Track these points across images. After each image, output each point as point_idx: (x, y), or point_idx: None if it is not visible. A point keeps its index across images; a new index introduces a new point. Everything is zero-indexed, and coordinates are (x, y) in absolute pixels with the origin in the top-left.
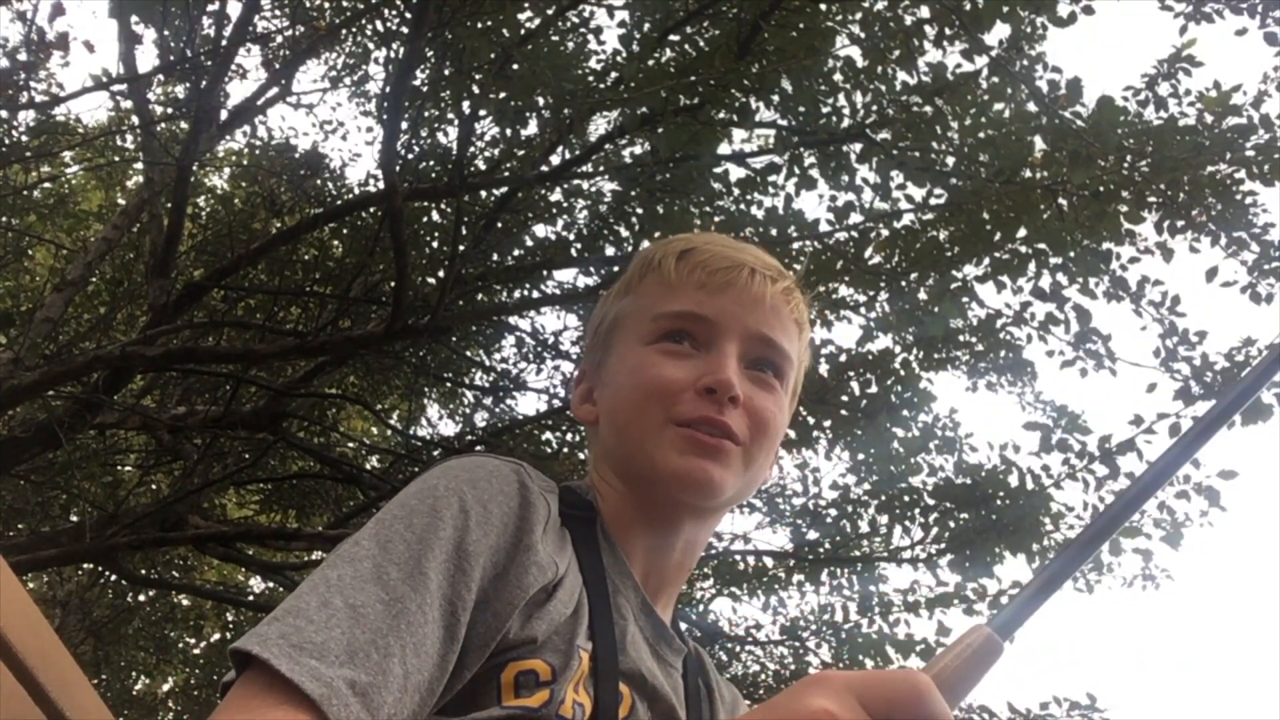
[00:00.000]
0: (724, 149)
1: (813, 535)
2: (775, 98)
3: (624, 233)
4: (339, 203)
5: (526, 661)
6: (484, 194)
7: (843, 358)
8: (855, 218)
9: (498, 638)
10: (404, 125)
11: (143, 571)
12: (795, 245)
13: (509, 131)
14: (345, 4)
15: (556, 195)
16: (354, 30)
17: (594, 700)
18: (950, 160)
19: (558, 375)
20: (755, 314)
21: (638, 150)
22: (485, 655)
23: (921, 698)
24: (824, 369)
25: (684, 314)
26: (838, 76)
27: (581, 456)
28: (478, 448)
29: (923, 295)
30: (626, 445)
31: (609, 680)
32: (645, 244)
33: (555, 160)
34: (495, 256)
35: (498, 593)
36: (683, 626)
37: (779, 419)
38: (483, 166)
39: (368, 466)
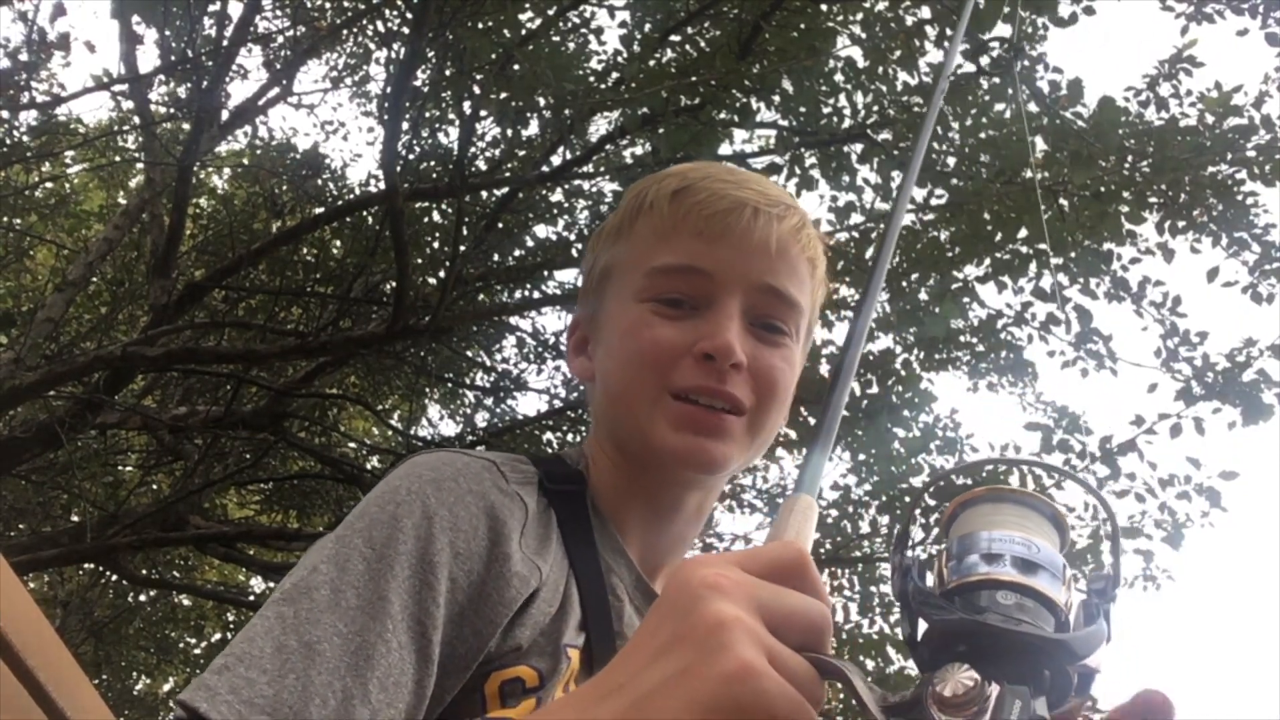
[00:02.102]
0: (725, 149)
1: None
2: (776, 98)
3: None
4: (340, 203)
5: (511, 669)
6: (485, 194)
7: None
8: (856, 218)
9: (479, 658)
10: (405, 125)
11: (144, 572)
12: None
13: (510, 132)
14: (346, 4)
15: (557, 195)
16: (355, 30)
17: None
18: (951, 160)
19: (558, 375)
20: (760, 262)
21: (639, 151)
22: (466, 676)
23: (806, 562)
24: (824, 369)
25: (680, 268)
26: (839, 77)
27: None
28: (479, 448)
29: (924, 295)
30: (620, 415)
31: None
32: None
33: (556, 160)
34: (496, 257)
35: (477, 609)
36: None
37: (788, 376)
38: (483, 167)
39: (368, 467)
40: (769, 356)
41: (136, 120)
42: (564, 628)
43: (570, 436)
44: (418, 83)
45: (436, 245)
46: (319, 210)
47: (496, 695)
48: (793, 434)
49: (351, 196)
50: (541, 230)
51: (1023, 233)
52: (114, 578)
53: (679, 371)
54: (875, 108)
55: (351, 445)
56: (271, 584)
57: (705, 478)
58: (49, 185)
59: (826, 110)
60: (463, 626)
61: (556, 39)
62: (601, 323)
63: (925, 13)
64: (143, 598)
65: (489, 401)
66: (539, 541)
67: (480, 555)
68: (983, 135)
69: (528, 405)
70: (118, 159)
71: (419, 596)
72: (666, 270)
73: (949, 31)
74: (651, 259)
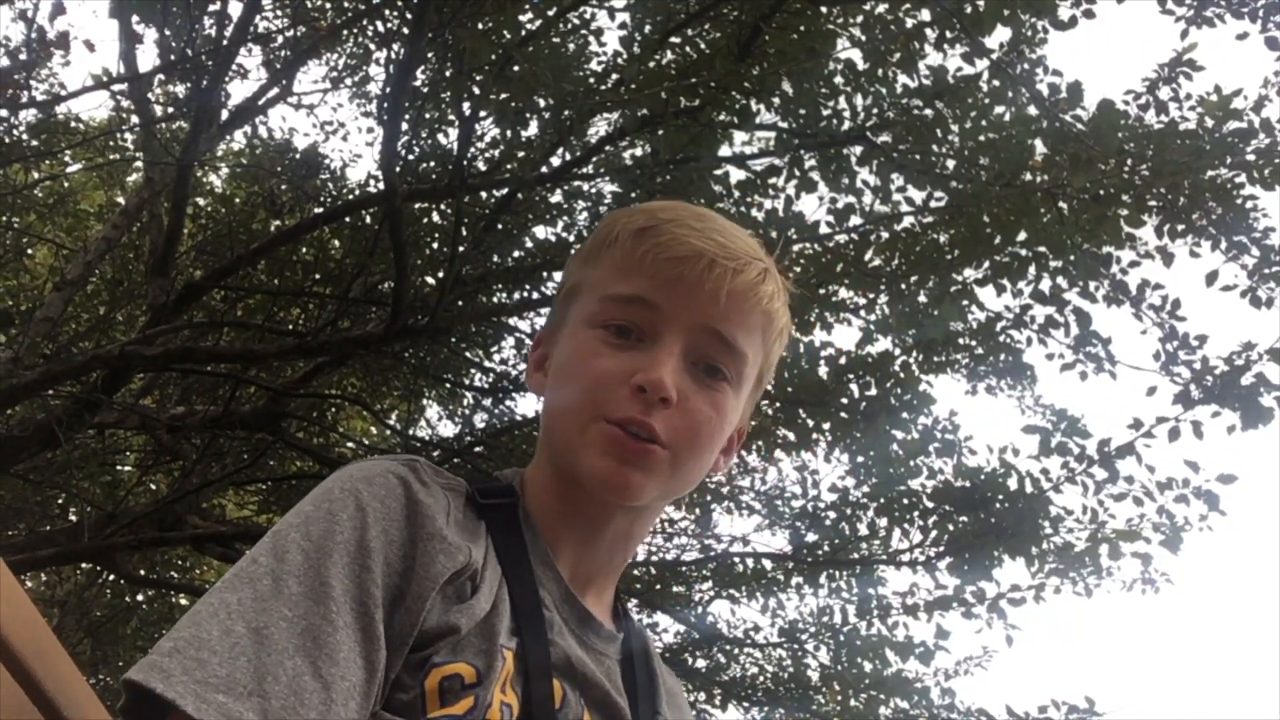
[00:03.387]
0: (724, 151)
1: (812, 538)
2: (776, 100)
3: None
4: (339, 203)
5: (450, 666)
6: (484, 195)
7: (842, 360)
8: (855, 220)
9: (413, 634)
10: (404, 126)
11: (141, 571)
12: (796, 247)
13: (509, 133)
14: (346, 4)
15: (557, 197)
16: (355, 31)
17: (522, 698)
18: (950, 163)
19: None
20: (708, 308)
21: (638, 152)
22: (404, 654)
23: None
24: (823, 371)
25: (631, 298)
26: (838, 79)
27: None
28: (477, 449)
29: (923, 298)
30: (556, 435)
31: (540, 676)
32: None
33: (555, 162)
34: (495, 257)
35: (408, 587)
36: (677, 626)
37: (715, 423)
38: (483, 167)
39: None
40: (700, 400)
41: (135, 119)
42: (499, 626)
43: None
44: (417, 83)
45: (435, 246)
46: (318, 210)
47: (436, 691)
48: (790, 435)
49: (351, 197)
50: (541, 231)
51: (1022, 235)
52: (111, 577)
53: (613, 401)
54: (875, 110)
55: (350, 445)
56: None
57: (620, 505)
58: (48, 184)
59: (826, 112)
60: (397, 607)
61: (556, 40)
62: (558, 341)
63: (925, 15)
64: (140, 597)
65: (487, 402)
66: (464, 535)
67: (408, 540)
68: (982, 138)
69: (526, 406)
70: (117, 158)
71: (359, 580)
72: (618, 299)
73: (948, 34)
74: (607, 287)
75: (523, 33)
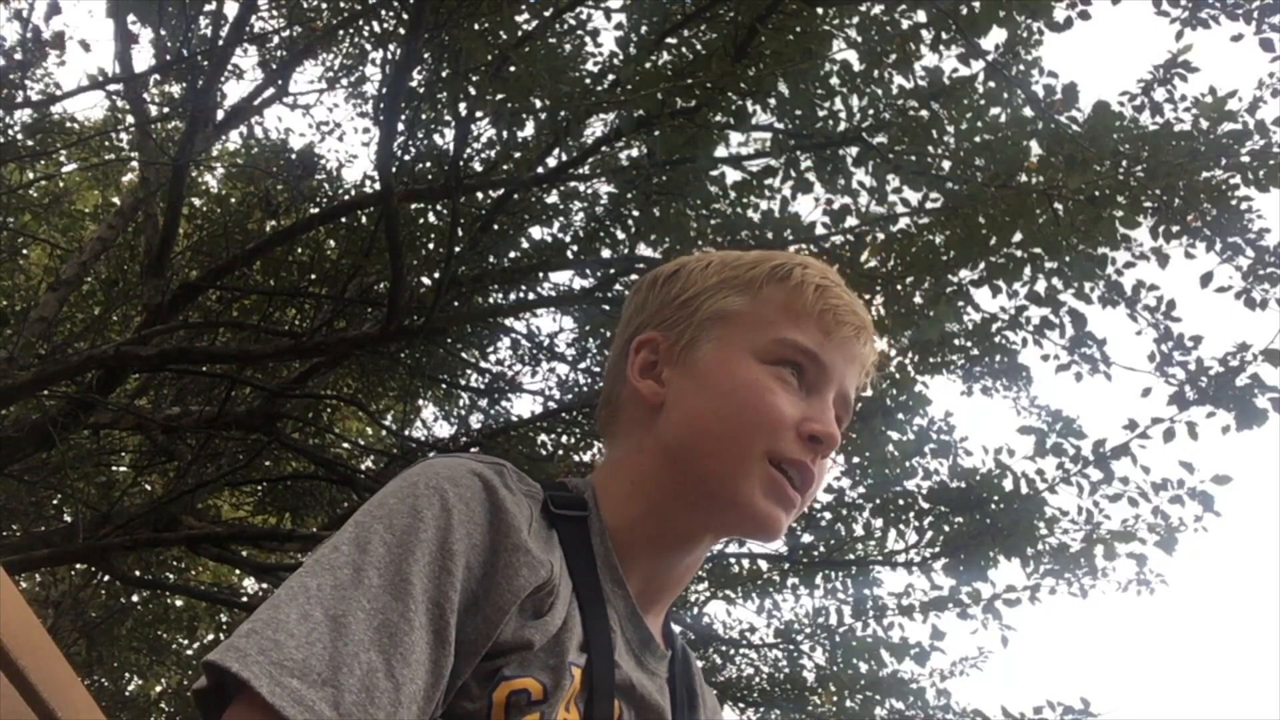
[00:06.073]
0: (720, 152)
1: (807, 538)
2: (772, 101)
3: (620, 235)
4: (335, 203)
5: (520, 680)
6: (480, 195)
7: None
8: (851, 221)
9: (488, 644)
10: (400, 126)
11: (136, 572)
12: (791, 249)
13: (505, 133)
14: (342, 5)
15: (553, 197)
16: (351, 31)
17: (584, 717)
18: (946, 164)
19: (553, 377)
20: (852, 376)
21: (634, 153)
22: (475, 661)
23: None
24: None
25: (808, 351)
26: (834, 80)
27: (577, 459)
28: (473, 449)
29: (918, 299)
30: (706, 459)
31: (604, 696)
32: (641, 246)
33: (552, 162)
34: (491, 258)
35: (487, 596)
36: (675, 629)
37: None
38: (479, 168)
39: (362, 468)
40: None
41: (131, 119)
42: (569, 643)
43: (565, 439)
44: (413, 84)
45: (431, 246)
46: (314, 211)
47: (504, 705)
48: None
49: (347, 197)
50: (537, 232)
51: (1017, 236)
52: (106, 578)
53: (785, 442)
54: (870, 111)
55: (345, 446)
56: (265, 585)
57: (757, 540)
58: (43, 184)
59: (822, 113)
60: (475, 614)
61: (553, 41)
62: (699, 359)
63: (921, 16)
64: (135, 598)
65: (483, 403)
66: (543, 547)
67: (490, 546)
68: (977, 139)
69: (522, 407)
70: (112, 158)
71: (438, 581)
72: (797, 348)
73: (944, 36)
74: (783, 331)
75: (519, 33)
